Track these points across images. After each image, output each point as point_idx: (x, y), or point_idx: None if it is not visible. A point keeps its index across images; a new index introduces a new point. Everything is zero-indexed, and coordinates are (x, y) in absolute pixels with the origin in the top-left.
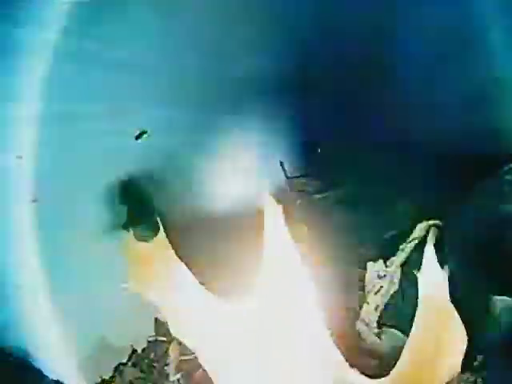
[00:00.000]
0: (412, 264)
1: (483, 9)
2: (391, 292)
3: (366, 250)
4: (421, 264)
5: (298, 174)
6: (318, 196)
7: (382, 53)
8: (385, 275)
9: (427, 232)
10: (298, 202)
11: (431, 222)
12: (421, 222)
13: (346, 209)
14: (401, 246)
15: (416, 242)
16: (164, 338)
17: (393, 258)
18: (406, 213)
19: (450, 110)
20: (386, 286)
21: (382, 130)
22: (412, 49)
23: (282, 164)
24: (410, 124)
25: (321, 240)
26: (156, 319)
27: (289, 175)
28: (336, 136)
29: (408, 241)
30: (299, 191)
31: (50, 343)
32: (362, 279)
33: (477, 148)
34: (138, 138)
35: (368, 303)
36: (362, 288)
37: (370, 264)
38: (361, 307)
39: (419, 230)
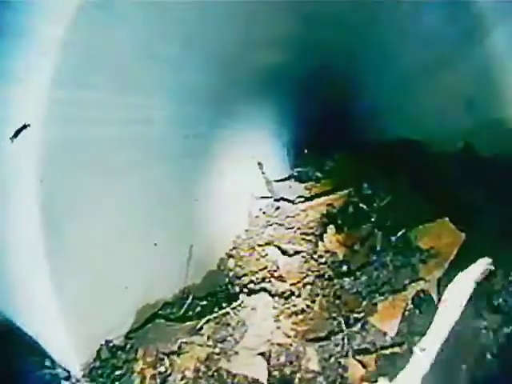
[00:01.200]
0: None
1: None
2: None
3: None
4: None
5: (282, 177)
6: (302, 207)
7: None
8: None
9: None
10: (279, 210)
11: None
12: None
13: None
14: None
15: None
16: None
17: None
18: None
19: None
20: None
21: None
22: None
23: (260, 165)
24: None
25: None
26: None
27: (269, 179)
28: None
29: None
30: (279, 200)
31: None
32: None
33: None
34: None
35: None
36: None
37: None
38: None
39: None
